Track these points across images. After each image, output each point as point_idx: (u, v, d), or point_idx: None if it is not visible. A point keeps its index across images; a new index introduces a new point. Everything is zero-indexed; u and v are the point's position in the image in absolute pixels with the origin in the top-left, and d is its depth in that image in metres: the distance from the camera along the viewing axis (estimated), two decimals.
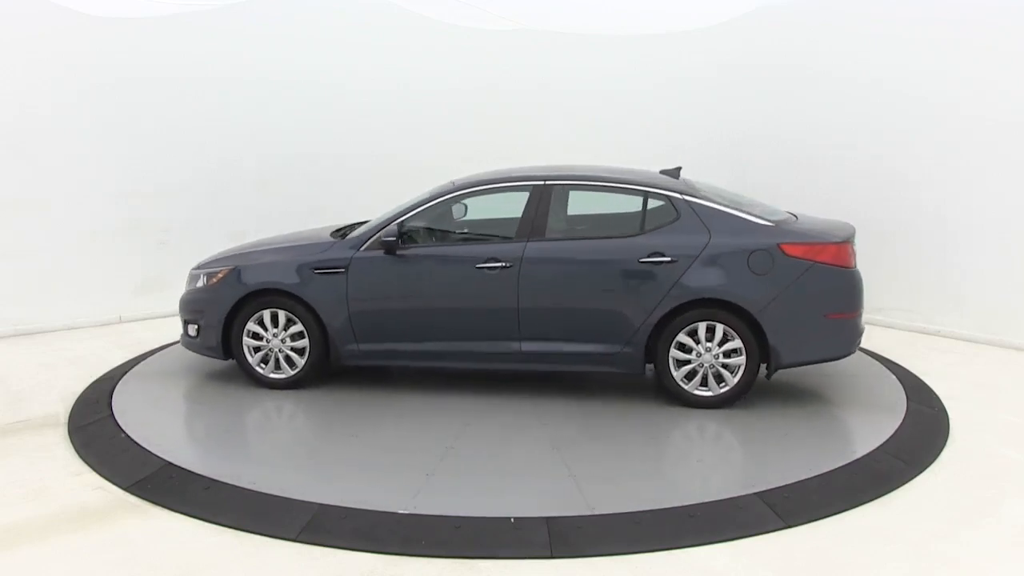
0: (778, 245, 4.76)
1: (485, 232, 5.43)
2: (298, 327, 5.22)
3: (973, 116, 6.72)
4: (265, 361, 5.31)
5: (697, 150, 8.89)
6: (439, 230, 5.37)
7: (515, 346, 5.01)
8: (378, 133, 8.81)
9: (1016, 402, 5.14)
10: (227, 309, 5.25)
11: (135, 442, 4.28)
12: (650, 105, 9.22)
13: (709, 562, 3.14)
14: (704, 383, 4.86)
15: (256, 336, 5.28)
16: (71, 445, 4.36)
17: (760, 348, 4.78)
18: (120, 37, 7.40)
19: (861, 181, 7.55)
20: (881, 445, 4.27)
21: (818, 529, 3.42)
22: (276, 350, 5.28)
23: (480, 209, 5.51)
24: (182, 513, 3.53)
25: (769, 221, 4.91)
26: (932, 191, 7.05)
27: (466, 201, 5.42)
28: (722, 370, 4.83)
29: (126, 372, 5.62)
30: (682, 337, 4.83)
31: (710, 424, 4.63)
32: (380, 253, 5.09)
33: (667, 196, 4.99)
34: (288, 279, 5.18)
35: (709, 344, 4.80)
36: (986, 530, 3.43)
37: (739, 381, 4.81)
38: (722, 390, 4.84)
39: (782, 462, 4.06)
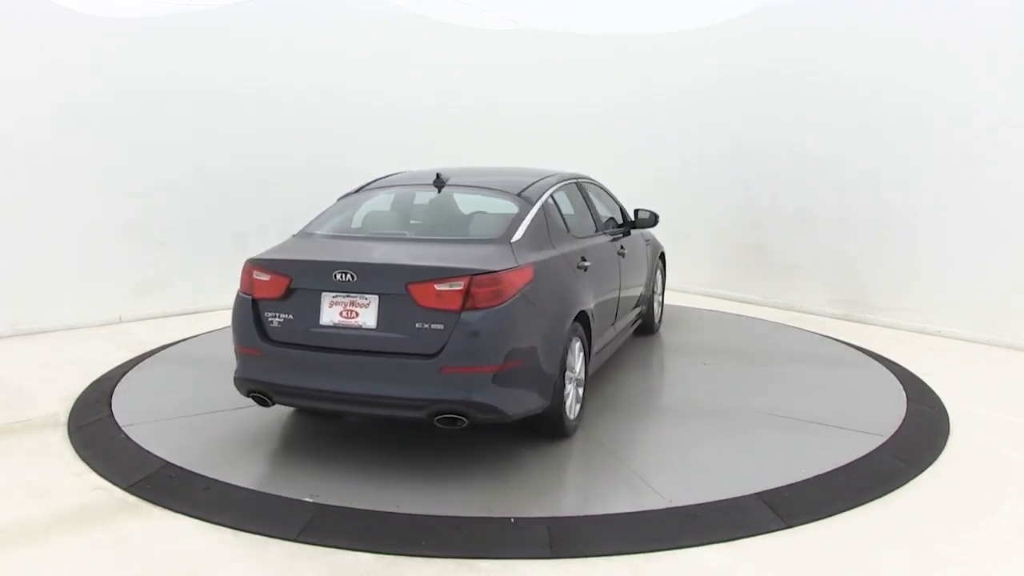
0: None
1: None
2: None
3: (972, 117, 6.73)
4: None
5: (696, 149, 8.92)
6: None
7: None
8: (378, 132, 8.81)
9: (1016, 402, 5.14)
10: None
11: (135, 442, 4.28)
12: (649, 104, 9.22)
13: (709, 562, 3.14)
14: None
15: None
16: (71, 445, 4.35)
17: None
18: (120, 37, 7.39)
19: (860, 181, 7.56)
20: (881, 445, 4.27)
21: (818, 529, 3.41)
22: None
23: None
24: (182, 513, 3.52)
25: (296, 236, 4.57)
26: (932, 191, 7.05)
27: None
28: None
29: (126, 372, 5.62)
30: None
31: (710, 424, 4.63)
32: None
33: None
34: None
35: None
36: (986, 530, 3.43)
37: None
38: None
39: (782, 462, 4.05)
